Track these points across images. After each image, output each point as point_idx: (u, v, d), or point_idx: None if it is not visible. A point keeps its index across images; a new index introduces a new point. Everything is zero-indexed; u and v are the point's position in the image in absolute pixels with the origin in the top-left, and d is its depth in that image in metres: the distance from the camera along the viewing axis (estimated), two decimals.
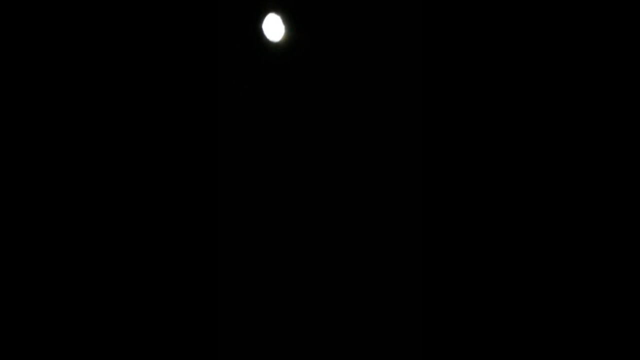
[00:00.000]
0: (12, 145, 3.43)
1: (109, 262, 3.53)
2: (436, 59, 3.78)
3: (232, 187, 3.96)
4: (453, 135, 3.74)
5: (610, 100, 3.54)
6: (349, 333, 3.93)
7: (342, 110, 4.05)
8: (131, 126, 3.63)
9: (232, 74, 4.01)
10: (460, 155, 3.73)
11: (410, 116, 3.94)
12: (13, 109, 3.44)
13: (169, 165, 3.70)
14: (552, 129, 3.61)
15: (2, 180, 3.41)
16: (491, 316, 3.63)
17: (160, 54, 3.69)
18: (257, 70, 4.05)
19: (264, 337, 3.94)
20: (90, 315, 3.50)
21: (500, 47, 3.69)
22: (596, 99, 3.56)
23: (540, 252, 3.59)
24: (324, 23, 4.05)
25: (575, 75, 3.59)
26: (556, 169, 3.60)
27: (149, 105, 3.68)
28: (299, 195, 4.05)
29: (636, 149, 3.51)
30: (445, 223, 3.72)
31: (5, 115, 3.43)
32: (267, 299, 3.96)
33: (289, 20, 4.02)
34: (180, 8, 3.73)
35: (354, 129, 4.03)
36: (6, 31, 3.43)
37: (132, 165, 3.63)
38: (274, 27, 4.03)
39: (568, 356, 3.53)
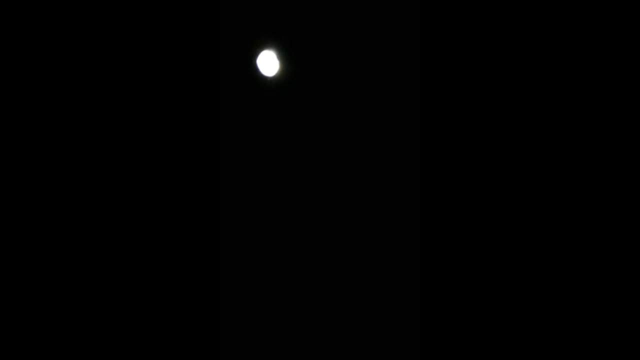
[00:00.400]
0: (12, 145, 3.45)
1: (109, 262, 3.52)
2: (435, 95, 3.80)
3: (231, 202, 4.04)
4: (452, 161, 3.76)
5: (610, 100, 3.55)
6: (349, 333, 3.90)
7: (337, 137, 4.18)
8: (136, 155, 3.70)
9: (229, 104, 4.18)
10: (459, 171, 3.74)
11: (405, 148, 4.05)
12: (13, 109, 3.46)
13: (170, 191, 3.75)
14: (552, 129, 3.61)
15: (2, 181, 3.46)
16: (491, 316, 3.60)
17: (159, 79, 3.77)
18: (253, 101, 4.23)
19: (264, 337, 3.90)
20: (90, 315, 3.47)
21: (499, 50, 3.71)
22: (596, 99, 3.57)
23: (540, 251, 3.57)
24: (316, 58, 4.25)
25: (575, 75, 3.61)
26: (555, 168, 3.60)
27: (154, 133, 3.74)
28: (296, 219, 4.12)
29: (636, 149, 3.52)
30: (445, 228, 3.71)
31: (6, 115, 3.45)
32: (267, 299, 3.93)
33: (283, 56, 4.25)
34: (180, 39, 3.91)
35: (349, 154, 4.14)
36: (6, 31, 3.47)
37: (131, 191, 3.71)
38: (268, 63, 4.25)
39: (568, 356, 3.51)
